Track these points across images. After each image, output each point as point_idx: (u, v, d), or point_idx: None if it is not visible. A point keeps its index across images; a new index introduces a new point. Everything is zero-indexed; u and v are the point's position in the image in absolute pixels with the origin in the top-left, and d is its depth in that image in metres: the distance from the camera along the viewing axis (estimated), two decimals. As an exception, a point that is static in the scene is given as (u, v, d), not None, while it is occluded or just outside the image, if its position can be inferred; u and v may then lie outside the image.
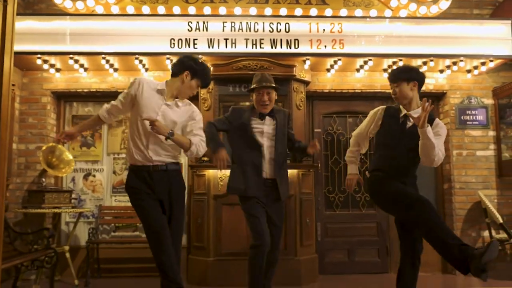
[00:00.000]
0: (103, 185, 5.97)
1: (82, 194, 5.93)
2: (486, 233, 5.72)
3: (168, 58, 5.28)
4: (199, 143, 3.20)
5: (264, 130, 3.69)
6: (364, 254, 5.89)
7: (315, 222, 5.72)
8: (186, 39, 5.15)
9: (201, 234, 5.16)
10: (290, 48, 5.20)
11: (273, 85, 3.70)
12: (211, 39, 5.16)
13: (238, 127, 3.69)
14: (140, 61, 5.40)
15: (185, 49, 5.13)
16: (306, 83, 5.68)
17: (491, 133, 5.95)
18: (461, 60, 5.44)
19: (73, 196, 5.65)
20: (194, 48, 5.15)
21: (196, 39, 5.15)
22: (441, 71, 5.88)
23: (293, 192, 5.03)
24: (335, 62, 5.46)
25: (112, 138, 6.06)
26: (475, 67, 5.73)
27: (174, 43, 5.14)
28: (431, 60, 5.38)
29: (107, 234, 5.85)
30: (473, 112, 5.97)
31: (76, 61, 5.38)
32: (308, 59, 5.31)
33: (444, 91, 6.02)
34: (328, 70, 5.77)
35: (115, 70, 5.66)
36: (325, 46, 5.20)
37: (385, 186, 3.36)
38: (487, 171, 5.89)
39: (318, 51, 5.20)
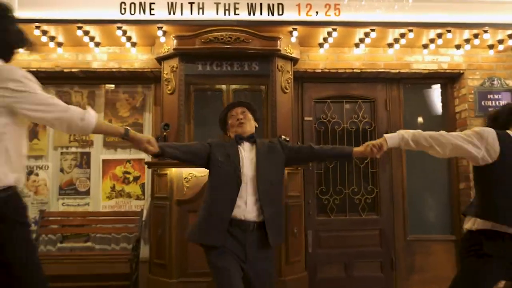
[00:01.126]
0: (48, 185, 4.86)
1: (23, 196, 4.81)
2: None
3: (119, 28, 4.14)
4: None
5: (243, 155, 2.67)
6: (365, 268, 4.82)
7: (304, 231, 4.65)
8: (140, 3, 4.01)
9: (162, 248, 4.09)
10: (273, 14, 4.08)
11: (246, 102, 2.94)
12: (172, 2, 4.02)
13: (214, 157, 2.67)
14: (86, 33, 4.26)
15: (139, 16, 4.00)
16: (294, 60, 4.57)
17: (517, 121, 4.85)
18: (486, 31, 4.32)
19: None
20: (150, 14, 4.03)
21: (153, 3, 4.01)
22: (458, 47, 4.77)
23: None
24: (329, 34, 4.34)
25: (59, 129, 4.94)
26: (500, 41, 4.62)
27: (125, 8, 4.01)
28: (449, 31, 4.27)
29: (52, 245, 4.76)
30: (496, 97, 4.88)
31: (6, 33, 4.23)
32: (295, 29, 4.18)
33: (461, 71, 4.91)
34: (321, 45, 4.64)
35: (59, 44, 4.52)
36: (317, 13, 4.09)
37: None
38: (513, 167, 4.81)
39: (307, 19, 4.09)
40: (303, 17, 4.08)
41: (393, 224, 4.93)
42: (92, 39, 4.39)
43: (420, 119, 5.23)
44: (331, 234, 4.87)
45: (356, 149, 2.73)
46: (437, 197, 5.11)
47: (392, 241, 4.91)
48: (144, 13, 4.01)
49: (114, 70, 4.67)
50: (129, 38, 4.38)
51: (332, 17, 4.08)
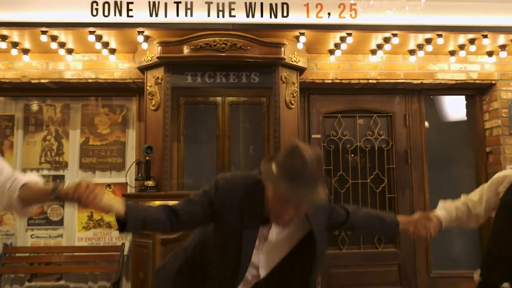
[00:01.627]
0: (14, 215, 4.16)
1: (-16, 228, 4.13)
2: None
3: (92, 33, 3.44)
4: None
5: (268, 237, 1.74)
6: (382, 311, 4.13)
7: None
8: (115, 2, 3.30)
9: (144, 295, 3.39)
10: (276, 16, 3.37)
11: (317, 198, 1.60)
12: (154, 2, 3.31)
13: (225, 230, 1.73)
14: (54, 38, 3.55)
15: (114, 18, 3.30)
16: (300, 70, 3.87)
17: (559, 140, 4.17)
18: (529, 36, 3.63)
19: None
20: (128, 16, 3.32)
21: (132, 3, 3.31)
22: (490, 54, 4.07)
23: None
24: (343, 39, 3.63)
25: (28, 148, 4.25)
26: (541, 47, 3.93)
27: (97, 9, 3.30)
28: (485, 37, 3.57)
29: (19, 284, 4.07)
30: (533, 111, 4.18)
31: (-41, 38, 3.54)
32: (303, 33, 3.47)
33: (493, 82, 4.22)
34: (332, 52, 3.94)
35: (25, 51, 3.82)
36: (329, 14, 3.38)
37: None
38: (554, 194, 4.11)
39: (318, 21, 3.38)
40: (312, 19, 3.37)
41: (414, 258, 4.25)
42: (62, 45, 3.69)
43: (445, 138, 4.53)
44: (343, 270, 4.18)
45: (402, 222, 2.07)
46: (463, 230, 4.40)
47: (413, 278, 4.21)
48: (121, 15, 3.30)
49: (90, 80, 3.97)
50: (105, 44, 3.68)
51: (348, 19, 3.37)
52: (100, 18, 3.29)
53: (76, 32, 3.48)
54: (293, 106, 3.77)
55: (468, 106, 4.57)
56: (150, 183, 3.48)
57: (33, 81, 3.96)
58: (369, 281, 4.17)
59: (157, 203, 3.30)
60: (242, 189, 1.69)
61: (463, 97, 4.57)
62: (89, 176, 4.27)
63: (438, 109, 4.56)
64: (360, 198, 4.28)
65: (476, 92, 4.44)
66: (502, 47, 3.90)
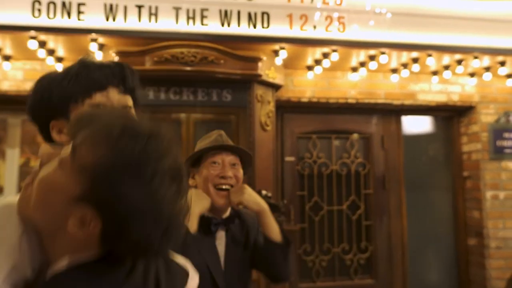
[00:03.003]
0: None
1: None
2: (535, 316, 3.72)
3: (33, 38, 2.79)
4: None
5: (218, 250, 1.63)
6: None
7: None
8: (63, 2, 2.68)
9: None
10: (255, 27, 2.87)
11: (242, 148, 1.73)
12: (110, 4, 2.71)
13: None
14: (-15, 41, 2.88)
15: (61, 21, 2.67)
16: (276, 87, 3.40)
17: (538, 166, 3.95)
18: (513, 57, 3.35)
19: None
20: (79, 19, 2.70)
21: (83, 4, 2.69)
22: (472, 75, 3.79)
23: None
24: (326, 55, 3.19)
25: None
26: (522, 70, 3.69)
27: (39, 9, 2.66)
28: (476, 58, 3.25)
29: None
30: (513, 136, 3.95)
31: None
32: (283, 48, 3.00)
33: (472, 105, 3.94)
34: (310, 68, 3.50)
35: (-51, 56, 3.10)
36: (315, 27, 2.92)
37: None
38: (534, 222, 3.89)
39: (302, 35, 2.91)
40: (296, 32, 2.90)
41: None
42: (-4, 50, 3.02)
43: (422, 160, 4.21)
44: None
45: None
46: (442, 255, 4.10)
47: (391, 311, 3.84)
48: (69, 17, 2.67)
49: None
50: (51, 52, 3.04)
51: (335, 34, 2.93)
52: (43, 21, 2.66)
53: (14, 36, 2.82)
54: (268, 128, 3.28)
55: (445, 129, 4.28)
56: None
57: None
58: (345, 317, 3.76)
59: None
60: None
61: (441, 118, 4.28)
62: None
63: (415, 131, 4.24)
64: (335, 227, 3.86)
65: (455, 114, 4.15)
66: (487, 69, 3.63)
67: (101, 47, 2.92)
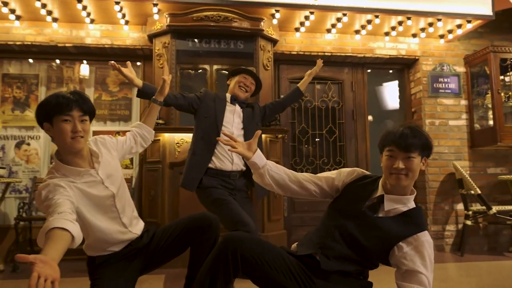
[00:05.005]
0: (39, 155, 4.87)
1: (14, 165, 4.80)
2: (459, 206, 5.14)
3: (117, 4, 4.26)
4: None
5: (233, 118, 3.15)
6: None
7: (282, 196, 4.90)
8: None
9: (154, 208, 4.22)
10: (258, -4, 4.34)
11: (259, 78, 3.38)
12: (166, -20, 4.19)
13: (206, 109, 3.11)
14: (84, 8, 4.34)
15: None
16: (274, 41, 4.84)
17: (463, 102, 5.37)
18: (439, 20, 4.77)
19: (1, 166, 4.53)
20: (147, -9, 4.17)
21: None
22: (414, 35, 5.22)
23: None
24: (306, 18, 4.64)
25: (51, 102, 4.96)
26: (450, 31, 5.10)
27: (123, -16, 4.13)
28: (409, 19, 4.68)
29: (44, 211, 4.76)
30: (446, 80, 5.36)
31: (5, 4, 4.24)
32: (278, 11, 4.44)
33: (416, 57, 5.37)
34: (297, 30, 4.94)
35: (55, 20, 4.56)
36: (298, -4, 4.38)
37: None
38: (460, 141, 5.31)
39: (289, 1, 4.36)
40: (285, -1, 4.36)
41: (358, 191, 5.29)
42: (88, 15, 4.47)
43: (381, 99, 5.65)
44: (304, 200, 5.15)
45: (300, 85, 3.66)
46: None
47: (357, 206, 5.24)
48: (140, -11, 4.15)
49: (106, 46, 4.76)
50: (123, 15, 4.50)
51: (311, 0, 4.38)
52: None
53: (102, 3, 4.28)
54: (268, 68, 4.72)
55: (399, 78, 5.71)
56: (160, 121, 4.32)
57: (59, 45, 4.69)
58: (324, 208, 5.17)
59: (166, 135, 4.17)
60: (214, 94, 3.26)
61: (396, 70, 5.71)
62: (101, 125, 5.03)
63: (378, 80, 5.68)
64: (317, 145, 5.30)
65: (405, 66, 5.58)
66: (422, 30, 5.05)
67: (158, 11, 4.38)
